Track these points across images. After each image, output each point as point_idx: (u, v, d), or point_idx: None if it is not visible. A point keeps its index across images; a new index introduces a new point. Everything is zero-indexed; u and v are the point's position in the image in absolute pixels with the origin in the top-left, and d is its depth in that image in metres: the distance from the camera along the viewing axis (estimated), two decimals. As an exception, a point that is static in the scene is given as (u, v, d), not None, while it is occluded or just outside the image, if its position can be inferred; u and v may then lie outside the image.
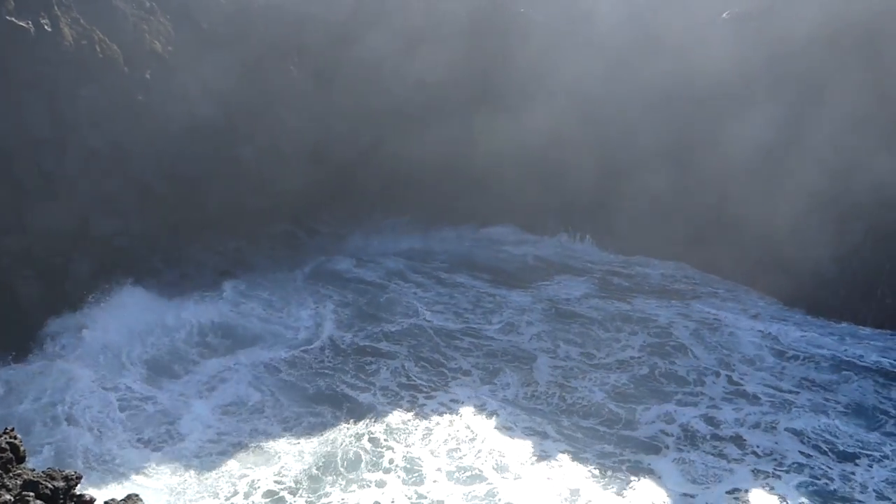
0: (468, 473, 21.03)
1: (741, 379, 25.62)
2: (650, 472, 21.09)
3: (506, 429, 23.15)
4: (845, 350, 26.97)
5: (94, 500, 3.99)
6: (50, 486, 4.02)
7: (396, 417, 23.77)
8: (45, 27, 28.71)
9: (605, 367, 26.50)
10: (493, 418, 23.69)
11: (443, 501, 19.98)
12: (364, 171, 37.48)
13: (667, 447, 22.28)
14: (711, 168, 31.83)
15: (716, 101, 32.26)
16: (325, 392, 25.26)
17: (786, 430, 22.85)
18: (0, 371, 24.72)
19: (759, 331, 28.45)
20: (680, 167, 32.48)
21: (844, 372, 25.67)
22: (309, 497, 20.19)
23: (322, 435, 22.93)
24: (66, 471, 4.22)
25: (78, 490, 4.25)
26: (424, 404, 24.49)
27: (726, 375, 25.81)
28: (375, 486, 20.55)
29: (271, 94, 35.93)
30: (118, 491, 19.83)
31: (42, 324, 26.57)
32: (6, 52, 27.76)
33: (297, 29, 37.02)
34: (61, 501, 3.94)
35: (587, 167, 33.24)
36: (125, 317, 27.70)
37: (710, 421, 23.44)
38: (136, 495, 4.04)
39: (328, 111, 36.80)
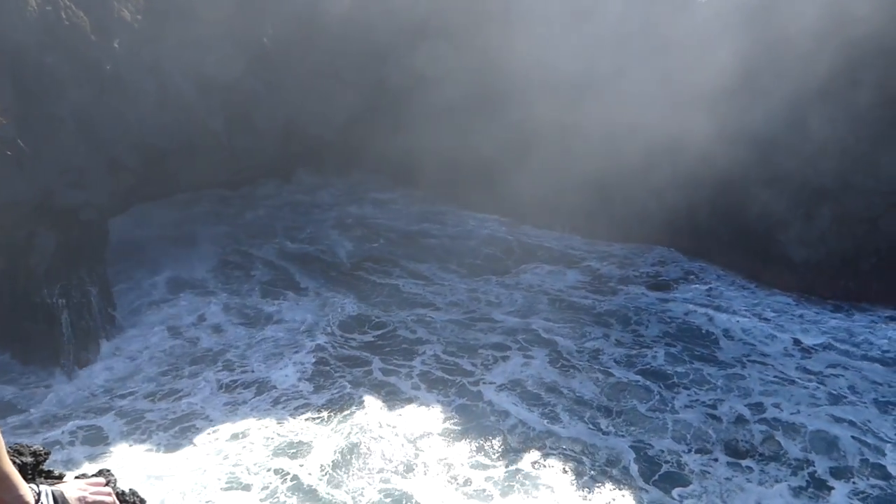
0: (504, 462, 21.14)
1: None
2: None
3: (549, 418, 22.96)
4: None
5: (64, 475, 3.89)
6: (18, 461, 3.91)
7: (425, 405, 23.62)
8: (8, -9, 27.79)
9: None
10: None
11: (481, 490, 20.01)
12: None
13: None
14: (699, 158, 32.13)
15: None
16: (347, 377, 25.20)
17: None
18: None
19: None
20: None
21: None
22: (331, 488, 20.14)
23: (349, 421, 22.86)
24: (35, 446, 4.12)
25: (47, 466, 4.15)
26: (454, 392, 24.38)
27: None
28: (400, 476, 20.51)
29: (244, 67, 35.30)
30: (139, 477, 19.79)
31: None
32: (-33, 17, 26.86)
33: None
34: (30, 476, 3.83)
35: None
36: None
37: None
38: (108, 470, 3.96)
39: (301, 85, 36.31)
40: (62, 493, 3.47)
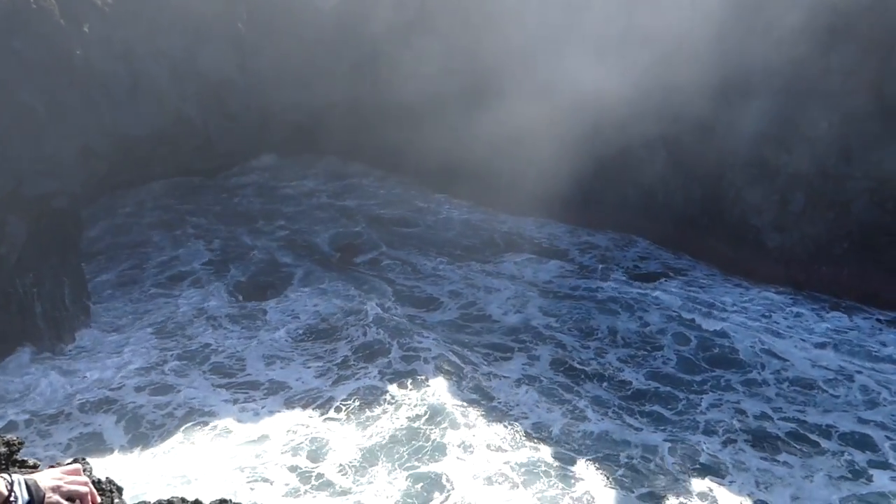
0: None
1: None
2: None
3: (573, 415, 22.55)
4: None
5: (39, 464, 3.82)
6: (-10, 451, 3.83)
7: (446, 395, 23.03)
8: (-26, -26, 27.12)
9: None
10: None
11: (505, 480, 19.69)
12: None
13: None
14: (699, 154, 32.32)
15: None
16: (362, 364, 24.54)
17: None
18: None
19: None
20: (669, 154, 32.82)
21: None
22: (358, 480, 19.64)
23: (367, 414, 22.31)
24: (7, 436, 4.05)
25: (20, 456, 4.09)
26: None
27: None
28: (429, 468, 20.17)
29: (219, 53, 34.85)
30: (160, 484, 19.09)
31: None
32: (-69, 0, 26.16)
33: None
34: (3, 466, 3.76)
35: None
36: None
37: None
38: (84, 458, 3.90)
39: (278, 71, 35.93)
40: (35, 482, 3.39)
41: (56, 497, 3.45)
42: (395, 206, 36.19)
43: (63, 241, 27.57)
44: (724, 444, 21.26)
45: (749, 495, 19.34)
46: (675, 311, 28.04)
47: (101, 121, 30.70)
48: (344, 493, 19.27)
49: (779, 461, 20.61)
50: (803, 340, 26.33)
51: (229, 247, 32.18)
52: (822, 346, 25.98)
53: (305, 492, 19.28)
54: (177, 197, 35.33)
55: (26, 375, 23.75)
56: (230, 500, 4.30)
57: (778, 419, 22.32)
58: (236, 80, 35.26)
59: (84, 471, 3.87)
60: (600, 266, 31.52)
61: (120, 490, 4.15)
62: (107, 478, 4.09)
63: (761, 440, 21.42)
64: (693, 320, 27.49)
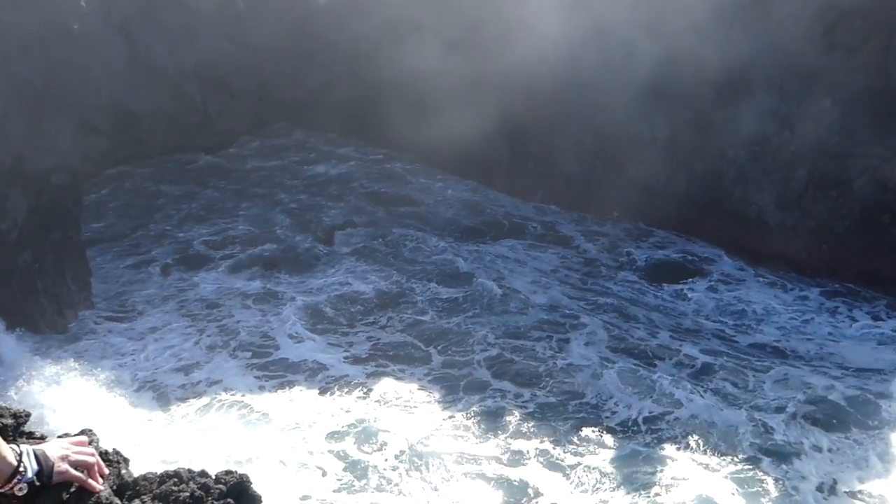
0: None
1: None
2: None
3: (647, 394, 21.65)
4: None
5: (46, 436, 3.86)
6: (-2, 423, 3.87)
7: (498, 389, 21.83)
8: (-31, -54, 26.82)
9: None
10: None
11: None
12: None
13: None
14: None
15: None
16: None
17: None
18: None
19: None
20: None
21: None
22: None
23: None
24: (14, 408, 4.08)
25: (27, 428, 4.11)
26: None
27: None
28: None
29: (218, 28, 34.57)
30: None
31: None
32: (-74, -27, 25.90)
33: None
34: (11, 438, 3.80)
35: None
36: None
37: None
38: (90, 430, 3.93)
39: (276, 45, 35.65)
40: (44, 452, 3.44)
41: (65, 466, 3.50)
42: (399, 184, 35.87)
43: (64, 217, 27.52)
44: (794, 420, 20.70)
45: (826, 474, 18.82)
46: (707, 315, 26.87)
47: (99, 96, 30.55)
48: (395, 485, 17.90)
49: (849, 438, 20.04)
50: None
51: (232, 223, 31.95)
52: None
53: (356, 486, 17.90)
54: (176, 174, 35.18)
55: (27, 353, 23.71)
56: (235, 472, 4.33)
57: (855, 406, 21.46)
58: (236, 56, 35.00)
59: (91, 442, 3.90)
60: (607, 255, 30.67)
61: (126, 461, 4.18)
62: (114, 449, 4.12)
63: (830, 417, 20.88)
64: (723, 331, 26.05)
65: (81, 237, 28.12)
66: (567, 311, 25.99)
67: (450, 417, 20.48)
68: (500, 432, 19.92)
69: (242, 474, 4.27)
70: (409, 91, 33.90)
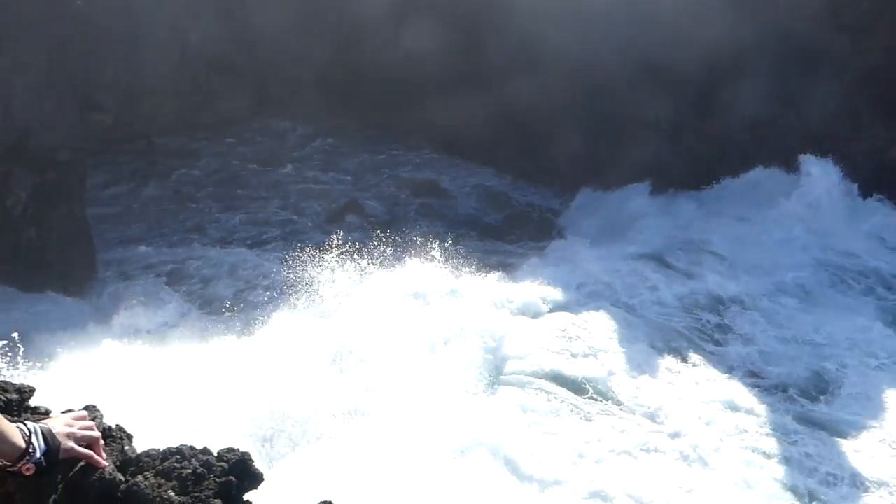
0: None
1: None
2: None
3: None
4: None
5: (50, 411, 3.94)
6: (3, 398, 3.95)
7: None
8: (-29, -79, 26.62)
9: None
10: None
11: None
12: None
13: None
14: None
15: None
16: None
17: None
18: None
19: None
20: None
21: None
22: None
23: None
24: (19, 383, 4.16)
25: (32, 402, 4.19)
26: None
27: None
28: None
29: (221, 7, 34.34)
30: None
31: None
32: (-72, -52, 25.75)
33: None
34: (15, 413, 3.88)
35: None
36: None
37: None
38: (94, 405, 4.01)
39: (279, 23, 35.40)
40: (50, 429, 3.49)
41: (71, 444, 3.56)
42: (420, 170, 35.35)
43: (69, 193, 27.58)
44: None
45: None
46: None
47: (103, 74, 30.47)
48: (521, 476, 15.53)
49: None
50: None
51: (233, 202, 31.96)
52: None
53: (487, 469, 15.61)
54: (179, 152, 35.10)
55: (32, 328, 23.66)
56: (237, 450, 4.42)
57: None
58: (240, 35, 34.81)
59: (94, 418, 3.98)
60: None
61: (130, 437, 4.27)
62: (117, 425, 4.21)
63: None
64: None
65: (86, 213, 28.19)
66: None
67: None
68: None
69: (245, 452, 4.35)
70: (411, 73, 33.68)
